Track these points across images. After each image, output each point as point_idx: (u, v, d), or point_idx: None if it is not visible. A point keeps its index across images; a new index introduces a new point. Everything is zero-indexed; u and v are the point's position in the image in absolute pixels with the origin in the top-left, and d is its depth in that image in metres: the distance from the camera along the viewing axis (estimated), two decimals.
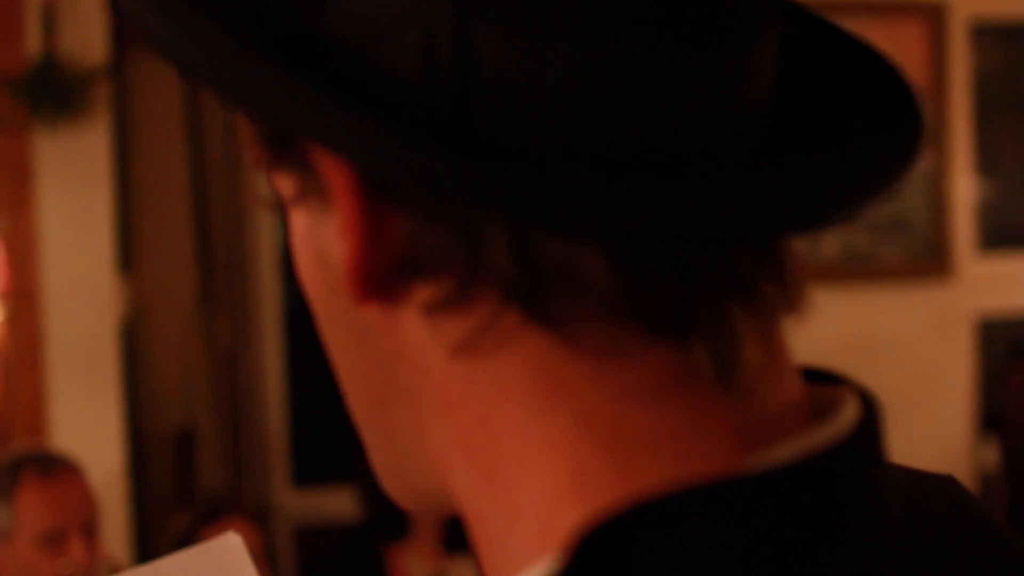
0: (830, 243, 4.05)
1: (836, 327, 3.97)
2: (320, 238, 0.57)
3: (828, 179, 0.54)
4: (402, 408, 0.58)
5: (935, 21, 4.31)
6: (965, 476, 4.08)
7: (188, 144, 3.62)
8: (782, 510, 0.51)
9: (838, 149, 0.56)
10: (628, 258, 0.51)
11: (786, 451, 0.52)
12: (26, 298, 3.39)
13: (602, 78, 0.49)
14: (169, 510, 3.34)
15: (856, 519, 0.53)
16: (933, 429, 4.11)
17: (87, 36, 3.35)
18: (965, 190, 4.41)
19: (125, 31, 3.50)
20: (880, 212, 4.20)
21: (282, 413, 3.72)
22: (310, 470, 3.82)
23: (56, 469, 2.60)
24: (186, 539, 2.93)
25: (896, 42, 4.21)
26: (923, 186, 4.33)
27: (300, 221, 0.58)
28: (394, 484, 0.63)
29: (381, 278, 0.54)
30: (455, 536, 3.23)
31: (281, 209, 0.60)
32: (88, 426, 3.33)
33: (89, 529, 2.56)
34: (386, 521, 3.20)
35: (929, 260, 4.33)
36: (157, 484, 3.59)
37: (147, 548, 3.41)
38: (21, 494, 2.53)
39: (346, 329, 0.59)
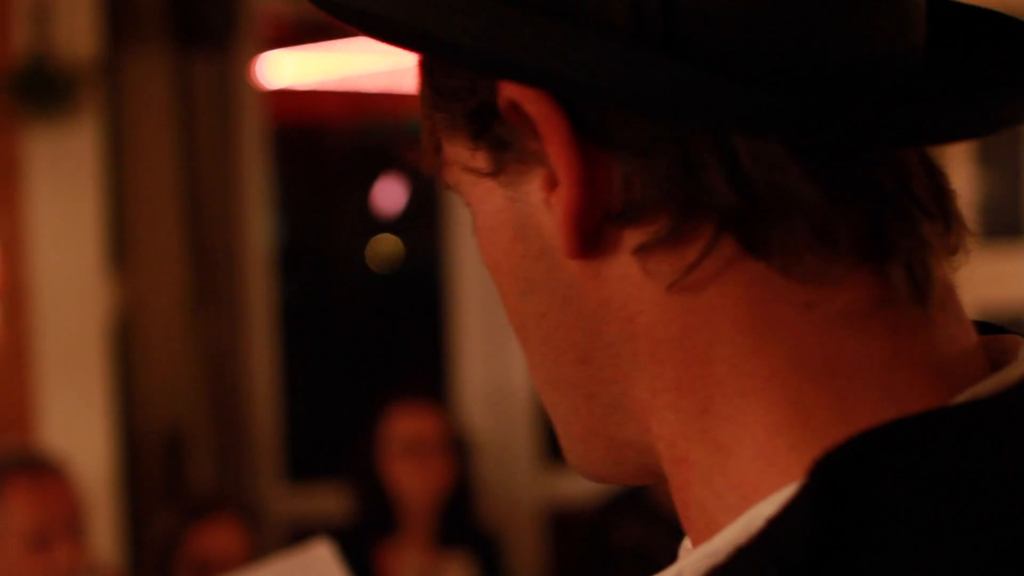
0: None
1: None
2: (519, 208, 0.60)
3: (994, 95, 0.59)
4: (607, 361, 0.60)
5: None
6: None
7: (179, 141, 3.60)
8: (995, 438, 0.54)
9: (997, 77, 0.60)
10: (830, 179, 0.55)
11: (987, 386, 0.56)
12: (15, 296, 3.38)
13: (782, 19, 0.55)
14: (159, 509, 3.34)
15: None
16: None
17: (78, 33, 3.33)
18: (963, 182, 4.40)
19: (118, 26, 3.50)
20: None
21: (274, 411, 3.71)
22: (302, 468, 3.82)
23: (42, 471, 2.60)
24: (173, 538, 2.93)
25: None
26: None
27: (493, 199, 0.62)
28: (591, 448, 0.64)
29: (595, 228, 0.57)
30: (446, 532, 3.22)
31: (461, 195, 0.65)
32: (77, 425, 3.32)
33: (75, 531, 2.56)
34: (377, 517, 3.19)
35: None
36: (147, 483, 3.58)
37: (137, 548, 3.41)
38: (7, 496, 2.53)
39: (548, 293, 0.61)
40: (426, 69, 0.64)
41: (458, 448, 3.28)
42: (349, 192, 4.77)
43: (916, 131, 0.56)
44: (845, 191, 0.55)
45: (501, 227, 0.62)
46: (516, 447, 3.84)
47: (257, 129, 3.70)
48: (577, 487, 3.81)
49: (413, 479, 3.16)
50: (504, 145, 0.59)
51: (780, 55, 0.55)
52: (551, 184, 0.58)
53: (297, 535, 3.68)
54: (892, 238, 0.56)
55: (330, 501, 3.55)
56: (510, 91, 0.57)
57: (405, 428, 3.19)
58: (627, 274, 0.58)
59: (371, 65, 4.54)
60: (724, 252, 0.56)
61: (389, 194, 4.66)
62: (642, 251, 0.57)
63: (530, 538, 3.85)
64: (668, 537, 3.38)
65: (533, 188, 0.59)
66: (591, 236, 0.58)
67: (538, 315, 0.62)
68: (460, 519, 3.27)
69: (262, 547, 3.41)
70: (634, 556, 3.37)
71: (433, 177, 0.68)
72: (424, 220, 3.95)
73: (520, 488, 3.84)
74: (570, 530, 3.72)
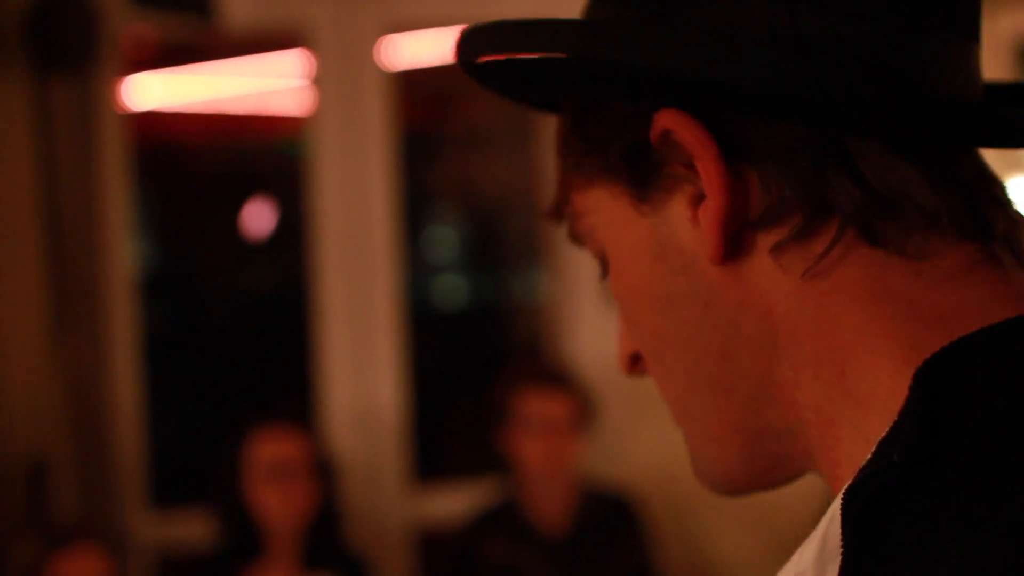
0: None
1: None
2: (661, 231, 0.71)
3: None
4: (748, 352, 0.70)
5: None
6: None
7: (40, 164, 3.56)
8: None
9: None
10: (930, 173, 0.66)
11: None
12: None
13: (892, 46, 0.67)
14: (21, 538, 3.29)
15: None
16: None
17: None
18: None
19: None
20: None
21: (138, 437, 3.68)
22: (167, 495, 3.78)
23: None
24: (34, 567, 2.89)
25: None
26: None
27: (634, 230, 0.73)
28: (727, 446, 0.74)
29: (736, 234, 0.68)
30: (313, 554, 3.22)
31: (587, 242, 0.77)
32: None
33: None
34: (242, 541, 3.17)
35: None
36: (8, 512, 3.52)
37: None
38: None
39: (689, 302, 0.71)
40: (573, 124, 0.75)
41: (324, 470, 3.27)
42: (218, 215, 4.75)
43: (999, 133, 0.67)
44: (944, 182, 0.67)
45: (641, 253, 0.73)
46: (384, 468, 3.84)
47: (120, 152, 3.67)
48: (445, 507, 3.83)
49: (278, 502, 3.15)
50: (651, 174, 0.71)
51: (889, 73, 0.67)
52: (696, 201, 0.69)
53: (162, 562, 3.65)
54: (989, 217, 0.68)
55: (195, 527, 3.52)
56: (664, 121, 0.69)
57: (269, 451, 3.17)
58: (763, 271, 0.69)
59: (237, 88, 4.53)
60: (847, 241, 0.67)
61: (258, 217, 4.64)
62: (777, 249, 0.68)
63: (399, 558, 3.86)
64: (536, 553, 3.41)
65: (675, 210, 0.71)
66: (733, 242, 0.68)
67: (679, 324, 0.72)
68: (326, 541, 3.26)
69: (126, 575, 3.37)
70: (503, 573, 3.39)
71: (568, 231, 0.79)
72: (292, 242, 3.95)
73: (388, 509, 3.85)
74: (439, 550, 3.73)
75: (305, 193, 3.78)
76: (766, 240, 0.68)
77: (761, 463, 0.74)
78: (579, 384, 3.49)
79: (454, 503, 3.78)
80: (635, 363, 0.81)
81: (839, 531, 0.63)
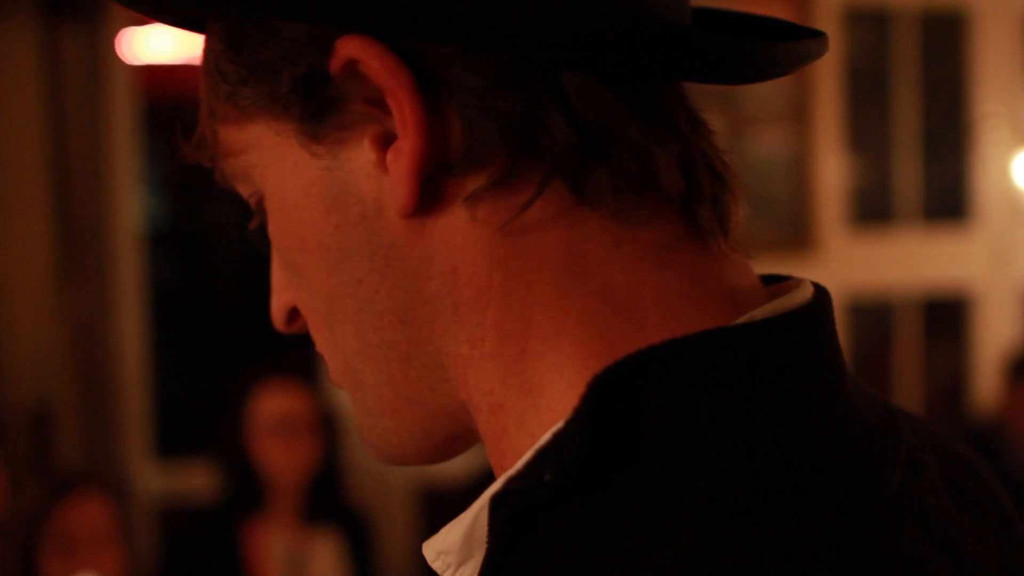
0: None
1: None
2: (338, 176, 0.61)
3: (774, 52, 0.62)
4: (426, 318, 0.61)
5: (803, 5, 4.36)
6: None
7: (47, 114, 3.56)
8: (766, 353, 0.57)
9: (775, 41, 0.65)
10: (647, 119, 0.58)
11: (764, 310, 0.59)
12: None
13: None
14: (25, 484, 3.30)
15: (827, 365, 0.60)
16: None
17: None
18: (832, 170, 4.48)
19: None
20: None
21: (143, 388, 3.68)
22: (171, 445, 3.79)
23: None
24: (38, 513, 2.89)
25: None
26: (789, 165, 4.39)
27: (303, 174, 0.62)
28: (400, 420, 0.65)
29: (433, 180, 0.59)
30: (315, 509, 3.22)
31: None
32: None
33: None
34: (245, 494, 3.18)
35: (793, 237, 4.39)
36: (13, 458, 3.53)
37: (2, 526, 3.36)
38: None
39: (367, 259, 0.61)
40: (226, 45, 0.63)
41: (327, 426, 3.28)
42: None
43: (717, 67, 0.59)
44: (659, 131, 0.59)
45: (311, 201, 0.62)
46: None
47: (129, 104, 3.67)
48: (451, 465, 3.83)
49: (282, 457, 3.16)
50: (328, 110, 0.60)
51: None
52: (383, 143, 0.59)
53: (165, 512, 3.67)
54: (698, 177, 0.60)
55: (199, 478, 3.54)
56: (349, 48, 0.58)
57: (274, 406, 3.18)
58: (454, 225, 0.59)
59: None
60: (552, 196, 0.58)
61: None
62: (473, 198, 0.59)
63: (401, 514, 3.87)
64: None
65: (355, 152, 0.60)
66: (426, 190, 0.59)
67: (354, 283, 0.63)
68: (329, 496, 3.27)
69: (130, 523, 3.39)
70: None
71: (216, 172, 0.68)
72: None
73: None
74: (443, 506, 3.74)
75: None
76: (463, 188, 0.59)
77: (436, 438, 0.66)
78: None
79: (460, 462, 3.78)
80: (293, 319, 0.71)
81: (486, 525, 0.59)
